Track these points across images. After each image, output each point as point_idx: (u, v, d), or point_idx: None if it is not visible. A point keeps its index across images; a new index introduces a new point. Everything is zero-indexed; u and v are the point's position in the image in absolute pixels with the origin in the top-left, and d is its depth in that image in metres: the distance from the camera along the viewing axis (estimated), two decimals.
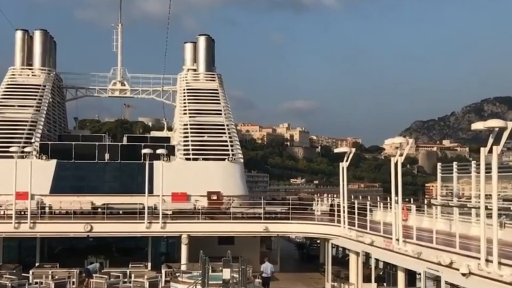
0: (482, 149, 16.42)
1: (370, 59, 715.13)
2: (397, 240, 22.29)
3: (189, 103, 46.45)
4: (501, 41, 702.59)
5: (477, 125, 16.49)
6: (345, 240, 29.08)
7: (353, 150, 28.94)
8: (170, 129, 52.93)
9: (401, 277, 23.30)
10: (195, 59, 50.27)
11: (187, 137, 43.36)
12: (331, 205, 35.13)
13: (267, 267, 31.02)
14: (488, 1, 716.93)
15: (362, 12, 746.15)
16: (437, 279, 20.56)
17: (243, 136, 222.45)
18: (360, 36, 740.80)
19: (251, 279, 28.52)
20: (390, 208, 24.83)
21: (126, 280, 31.26)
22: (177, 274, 29.19)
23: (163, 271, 31.61)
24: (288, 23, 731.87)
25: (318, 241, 39.05)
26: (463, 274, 17.21)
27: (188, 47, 51.17)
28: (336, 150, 30.89)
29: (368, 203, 28.97)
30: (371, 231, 25.90)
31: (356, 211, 28.03)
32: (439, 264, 18.86)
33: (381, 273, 27.85)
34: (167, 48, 52.57)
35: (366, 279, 27.13)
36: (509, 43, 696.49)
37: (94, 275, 30.70)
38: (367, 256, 27.60)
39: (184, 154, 42.01)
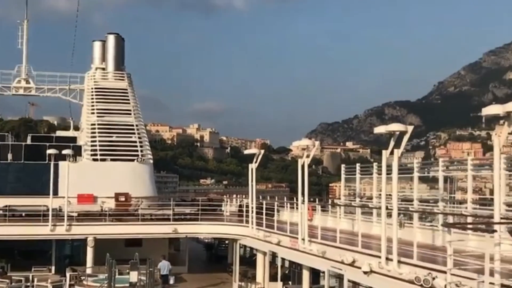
0: (383, 151, 17.06)
1: (278, 61, 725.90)
2: (303, 239, 22.84)
3: (97, 102, 45.44)
4: (401, 48, 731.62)
5: (380, 129, 17.09)
6: (253, 240, 29.47)
7: (262, 151, 29.42)
8: (76, 128, 51.58)
9: (306, 275, 23.89)
10: (104, 58, 49.11)
11: (94, 137, 42.46)
12: (240, 206, 35.47)
13: (164, 266, 30.81)
14: (391, 9, 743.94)
15: (272, 15, 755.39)
16: (340, 277, 21.20)
17: (152, 137, 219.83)
18: (270, 39, 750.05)
19: (159, 281, 28.43)
20: (297, 208, 25.39)
21: (28, 284, 30.27)
22: (82, 278, 28.62)
23: (67, 274, 30.80)
24: (199, 23, 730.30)
25: (227, 241, 39.32)
26: (365, 272, 17.74)
27: (97, 45, 49.96)
28: (245, 152, 31.30)
29: (275, 203, 29.51)
30: (278, 231, 26.36)
31: (264, 211, 28.46)
32: (342, 262, 19.38)
33: (287, 272, 28.41)
34: (74, 46, 51.17)
35: (273, 278, 27.61)
36: (409, 51, 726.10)
37: None
38: (274, 255, 28.11)
39: (92, 155, 41.16)
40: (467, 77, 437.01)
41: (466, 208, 21.72)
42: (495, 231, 12.23)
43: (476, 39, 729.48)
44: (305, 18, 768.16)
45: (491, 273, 11.98)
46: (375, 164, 27.90)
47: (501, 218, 13.34)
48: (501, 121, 12.99)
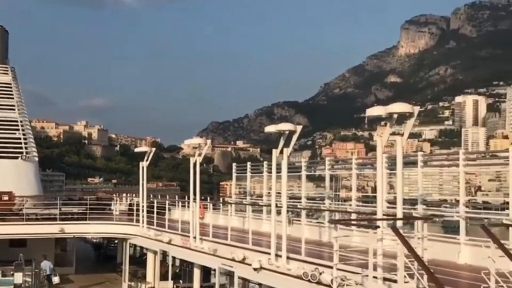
0: (274, 150, 17.45)
1: (168, 58, 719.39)
2: (194, 238, 22.93)
3: None
4: (289, 49, 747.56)
5: (270, 128, 17.45)
6: (143, 239, 29.18)
7: (153, 149, 29.20)
8: None
9: (196, 273, 23.99)
10: None
11: None
12: (130, 205, 35.01)
13: (45, 266, 29.87)
14: (280, 12, 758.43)
15: (164, 12, 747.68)
16: (230, 275, 21.49)
17: (37, 133, 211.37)
18: (160, 35, 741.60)
19: (45, 283, 27.54)
20: (188, 206, 25.45)
21: None
22: None
23: None
24: (88, 18, 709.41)
25: (116, 241, 38.67)
26: (255, 269, 18.03)
27: None
28: (136, 150, 30.91)
29: (167, 202, 29.38)
30: (169, 230, 26.30)
31: (155, 210, 28.28)
32: (233, 260, 19.61)
33: (177, 270, 28.40)
34: None
35: (163, 277, 27.50)
36: (296, 52, 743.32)
37: None
38: (165, 254, 28.01)
39: None
40: (351, 80, 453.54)
41: (351, 205, 22.67)
42: (378, 227, 12.84)
43: (360, 43, 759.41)
44: (194, 14, 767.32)
45: (375, 267, 12.53)
46: (265, 162, 28.48)
47: (383, 215, 14.03)
48: (382, 122, 13.69)
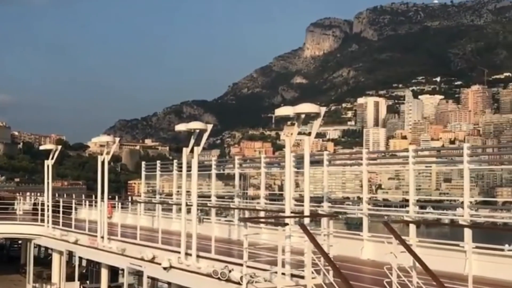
0: (184, 149, 17.49)
1: (74, 56, 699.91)
2: (102, 237, 22.65)
3: None
4: (198, 50, 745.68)
5: (180, 127, 17.47)
6: (48, 240, 28.39)
7: (59, 147, 28.54)
8: None
9: (104, 274, 23.66)
10: None
11: None
12: (35, 204, 33.98)
13: None
14: (189, 13, 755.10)
15: (68, 8, 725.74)
16: (139, 274, 21.39)
17: None
18: (66, 32, 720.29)
19: None
20: (96, 205, 25.07)
21: None
22: None
23: None
24: None
25: (20, 241, 37.38)
26: (164, 268, 17.94)
27: None
28: (41, 147, 30.08)
29: (73, 201, 28.79)
30: (75, 230, 25.81)
31: (61, 209, 27.64)
32: (142, 259, 19.46)
33: (84, 271, 27.91)
34: None
35: (69, 278, 26.91)
36: (205, 53, 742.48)
37: None
38: (71, 254, 27.44)
39: None
40: (259, 80, 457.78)
41: (259, 203, 23.13)
42: (286, 224, 13.24)
43: (267, 44, 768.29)
44: (101, 11, 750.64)
45: (283, 264, 12.87)
46: (175, 161, 28.51)
47: (291, 212, 14.46)
48: (289, 122, 14.14)
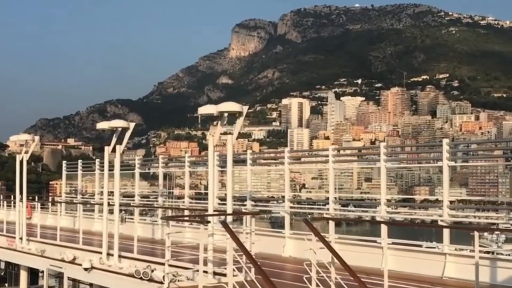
0: (106, 147, 17.32)
1: None
2: (20, 238, 22.06)
3: None
4: (123, 48, 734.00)
5: (102, 125, 17.26)
6: None
7: None
8: None
9: (23, 276, 23.07)
10: None
11: None
12: None
13: None
14: (116, 11, 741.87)
15: None
16: (60, 276, 20.96)
17: None
18: None
19: None
20: (14, 206, 24.34)
21: None
22: None
23: None
24: None
25: None
26: (85, 269, 17.59)
27: None
28: None
29: None
30: None
31: None
32: (62, 260, 19.07)
33: (2, 273, 27.05)
34: None
35: None
36: (130, 52, 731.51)
37: None
38: None
39: None
40: (184, 79, 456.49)
41: (184, 202, 23.14)
42: (209, 222, 13.34)
43: (193, 44, 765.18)
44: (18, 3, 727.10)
45: (205, 262, 12.93)
46: (97, 160, 28.09)
47: (214, 211, 14.57)
48: (215, 122, 14.27)
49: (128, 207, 22.83)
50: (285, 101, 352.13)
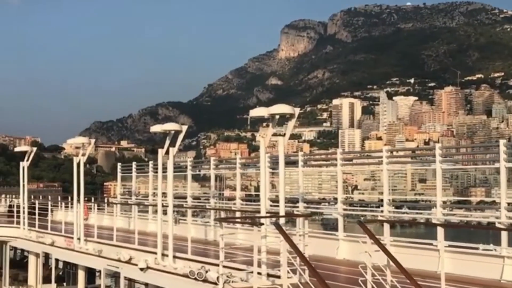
0: (159, 150, 17.55)
1: (45, 55, 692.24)
2: (78, 239, 22.60)
3: None
4: (172, 51, 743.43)
5: (156, 128, 17.53)
6: (24, 242, 28.16)
7: (35, 149, 28.36)
8: None
9: (81, 275, 23.63)
10: None
11: None
12: (10, 206, 33.69)
13: None
14: (165, 14, 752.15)
15: (34, 7, 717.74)
16: (116, 275, 21.39)
17: None
18: (36, 31, 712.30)
19: None
20: (72, 207, 24.91)
21: None
22: None
23: None
24: None
25: None
26: (141, 269, 17.99)
27: None
28: (16, 149, 29.84)
29: (49, 203, 28.61)
30: (52, 231, 25.67)
31: (36, 211, 27.46)
32: (118, 260, 19.46)
33: (61, 273, 27.76)
34: None
35: (46, 280, 26.78)
36: (180, 54, 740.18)
37: None
38: (47, 256, 27.28)
39: None
40: (234, 81, 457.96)
41: (235, 204, 23.26)
42: (262, 224, 13.39)
43: (242, 46, 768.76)
44: (69, 11, 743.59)
45: (259, 264, 12.97)
46: (150, 162, 28.52)
47: (267, 213, 14.60)
48: (265, 123, 14.29)
49: (181, 208, 23.14)
50: (335, 102, 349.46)
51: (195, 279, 15.35)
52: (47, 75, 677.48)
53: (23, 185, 27.89)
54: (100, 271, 21.97)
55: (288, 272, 12.67)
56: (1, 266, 31.57)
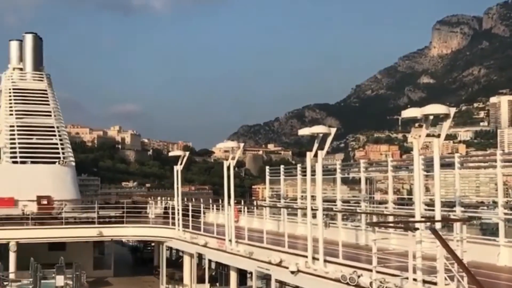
0: (308, 153, 17.47)
1: (195, 62, 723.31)
2: (230, 240, 23.10)
3: (15, 103, 44.23)
4: (319, 53, 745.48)
5: (304, 131, 17.47)
6: (179, 242, 29.42)
7: (187, 153, 29.50)
8: None
9: (233, 276, 24.13)
10: (21, 58, 47.97)
11: (13, 139, 41.41)
12: (165, 208, 35.35)
13: None
14: (311, 16, 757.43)
15: (189, 18, 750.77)
16: (267, 278, 21.56)
17: (72, 139, 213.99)
18: (186, 41, 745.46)
19: (85, 285, 27.96)
20: (223, 209, 25.50)
21: None
22: (5, 283, 27.77)
23: None
24: (117, 24, 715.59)
25: (152, 244, 39.08)
26: (292, 272, 18.03)
27: (14, 45, 48.58)
28: (171, 154, 31.26)
29: (201, 205, 29.60)
30: (204, 233, 26.51)
31: (190, 213, 28.51)
32: (269, 263, 19.65)
33: (214, 273, 28.57)
34: None
35: (200, 280, 27.71)
36: (327, 56, 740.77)
37: None
38: (201, 257, 28.19)
39: (11, 157, 40.07)
40: (383, 81, 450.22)
41: (386, 207, 22.56)
42: (417, 229, 12.82)
43: (391, 44, 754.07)
44: (223, 19, 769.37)
45: (414, 270, 12.55)
46: (298, 165, 28.51)
47: (422, 217, 13.99)
48: (417, 124, 13.66)
49: (330, 211, 22.87)
50: (493, 100, 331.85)
51: (347, 283, 15.10)
52: (195, 83, 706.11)
53: (177, 188, 29.07)
54: (251, 273, 22.27)
55: (445, 279, 12.04)
56: (159, 265, 33.20)
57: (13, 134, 41.64)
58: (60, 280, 23.41)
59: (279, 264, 19.24)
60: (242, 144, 24.45)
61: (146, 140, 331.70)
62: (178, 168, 28.92)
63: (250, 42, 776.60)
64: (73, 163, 42.07)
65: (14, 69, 47.55)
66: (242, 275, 24.50)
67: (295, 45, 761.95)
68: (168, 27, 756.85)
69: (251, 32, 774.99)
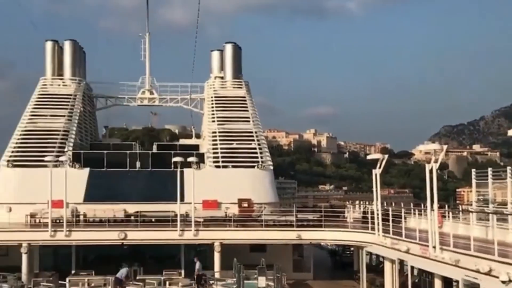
0: None
1: (388, 64, 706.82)
2: (434, 247, 22.02)
3: (217, 110, 46.71)
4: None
5: None
6: (379, 248, 28.71)
7: (386, 156, 28.69)
8: (197, 136, 53.27)
9: (438, 284, 22.94)
10: (222, 67, 50.59)
11: (216, 144, 43.55)
12: (364, 212, 34.82)
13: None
14: None
15: (382, 18, 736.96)
16: (475, 287, 20.20)
17: (269, 143, 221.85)
18: (379, 42, 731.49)
19: (286, 287, 28.37)
20: (425, 214, 24.39)
21: (160, 287, 31.13)
22: (212, 282, 29.15)
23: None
24: (310, 28, 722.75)
25: (351, 248, 38.75)
26: (503, 282, 16.87)
27: (215, 55, 51.54)
28: (368, 157, 30.65)
29: (402, 209, 28.62)
30: (406, 239, 25.56)
31: (390, 218, 27.69)
32: (477, 271, 18.53)
33: (416, 280, 27.45)
34: (195, 56, 52.73)
35: (402, 286, 26.82)
36: None
37: (127, 282, 30.32)
38: (402, 263, 27.23)
39: (214, 162, 42.19)
40: None
41: None
42: None
43: None
44: (420, 18, 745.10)
45: None
46: (508, 168, 26.41)
47: None
48: None
49: None
50: None
51: None
52: (391, 83, 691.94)
53: (376, 192, 28.39)
54: (457, 281, 20.99)
55: None
56: (359, 270, 32.71)
57: (215, 140, 43.81)
58: (262, 281, 23.97)
59: (488, 273, 18.01)
60: (445, 146, 23.23)
61: (342, 143, 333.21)
62: (376, 171, 28.28)
63: (446, 40, 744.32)
64: (271, 167, 43.16)
65: (215, 77, 50.35)
66: (447, 282, 23.17)
67: (502, 36, 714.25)
68: (361, 27, 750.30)
69: (446, 30, 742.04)
